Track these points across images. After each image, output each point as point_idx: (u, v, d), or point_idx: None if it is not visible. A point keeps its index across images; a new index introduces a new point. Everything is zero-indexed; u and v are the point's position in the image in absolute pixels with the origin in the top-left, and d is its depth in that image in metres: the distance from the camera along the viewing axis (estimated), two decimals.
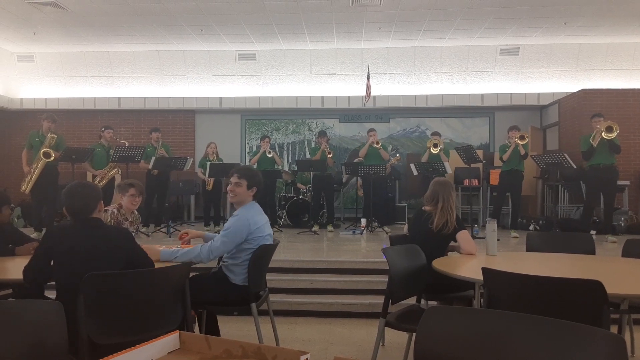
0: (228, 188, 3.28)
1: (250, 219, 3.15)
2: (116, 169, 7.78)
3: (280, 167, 9.12)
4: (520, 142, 7.33)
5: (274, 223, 8.49)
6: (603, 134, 6.85)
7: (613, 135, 6.82)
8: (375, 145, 8.27)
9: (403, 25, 8.95)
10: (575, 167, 6.90)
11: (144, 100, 10.80)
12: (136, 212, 4.19)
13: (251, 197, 3.25)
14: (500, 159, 7.60)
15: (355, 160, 8.76)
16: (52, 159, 7.11)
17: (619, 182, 8.38)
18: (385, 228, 8.01)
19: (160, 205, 8.39)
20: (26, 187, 7.20)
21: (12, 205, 9.23)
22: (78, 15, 8.44)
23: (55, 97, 10.84)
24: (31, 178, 7.15)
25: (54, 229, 2.67)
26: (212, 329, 3.45)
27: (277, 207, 9.11)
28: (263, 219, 3.26)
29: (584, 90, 9.20)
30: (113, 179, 7.81)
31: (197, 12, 8.29)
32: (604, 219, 7.31)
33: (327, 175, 8.37)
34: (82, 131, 10.89)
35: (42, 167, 7.12)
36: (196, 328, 3.48)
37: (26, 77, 10.88)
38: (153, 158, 7.87)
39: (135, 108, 10.83)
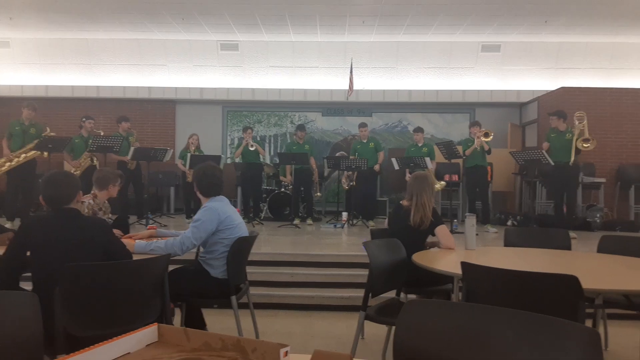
0: None
1: (219, 208, 3.18)
2: (90, 159, 7.64)
3: (263, 158, 9.08)
4: (485, 139, 7.48)
5: (257, 215, 8.48)
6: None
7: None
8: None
9: (387, 20, 8.96)
10: (553, 163, 7.02)
11: (123, 90, 10.64)
12: (106, 202, 4.16)
13: (206, 197, 3.29)
14: (463, 154, 7.71)
15: (337, 154, 8.80)
16: (45, 155, 7.09)
17: (596, 180, 8.59)
18: (367, 222, 8.05)
19: (139, 196, 8.28)
20: None
21: None
22: (55, 1, 8.25)
23: (31, 84, 10.61)
24: (10, 165, 7.01)
25: (30, 220, 2.62)
26: (197, 322, 3.44)
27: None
28: (231, 209, 3.30)
29: (563, 88, 9.34)
30: (90, 168, 7.68)
31: (179, 0, 8.17)
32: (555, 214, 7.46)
33: (306, 169, 8.36)
34: (59, 120, 10.67)
35: (30, 158, 7.07)
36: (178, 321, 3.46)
37: (1, 64, 10.60)
38: (132, 148, 7.75)
39: (114, 97, 10.65)
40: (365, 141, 8.53)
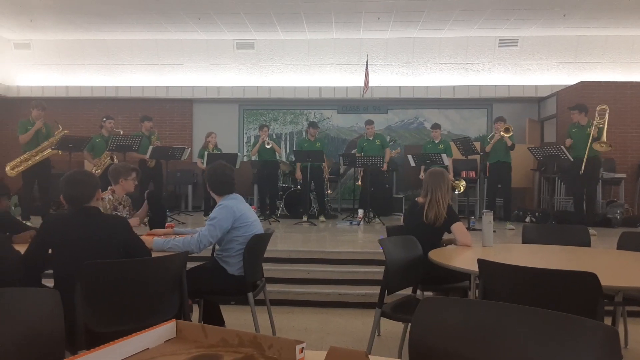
0: None
1: (234, 206, 3.21)
2: (109, 158, 7.74)
3: (279, 156, 9.11)
4: (505, 135, 7.41)
5: (273, 213, 8.51)
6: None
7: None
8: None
9: (402, 16, 8.91)
10: (572, 159, 6.92)
11: (141, 89, 10.76)
12: (125, 196, 4.23)
13: (219, 195, 3.32)
14: (483, 150, 7.68)
15: (353, 151, 8.78)
16: (60, 153, 7.21)
17: (616, 175, 8.44)
18: (373, 218, 8.03)
19: (158, 194, 8.36)
20: (15, 171, 7.14)
21: (10, 194, 9.21)
22: (75, 3, 8.37)
23: (52, 85, 10.79)
24: (27, 165, 7.13)
25: (51, 218, 2.67)
26: (216, 319, 3.48)
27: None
28: (245, 207, 3.33)
29: (582, 82, 9.19)
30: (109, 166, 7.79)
31: (195, 0, 8.23)
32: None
33: (316, 166, 8.34)
34: (80, 120, 10.84)
35: (46, 157, 7.16)
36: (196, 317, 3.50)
37: (23, 65, 10.81)
38: (151, 147, 7.83)
39: (132, 97, 10.78)
40: (371, 138, 8.51)
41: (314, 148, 8.19)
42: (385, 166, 8.39)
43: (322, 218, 8.30)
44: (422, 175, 7.80)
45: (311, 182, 8.46)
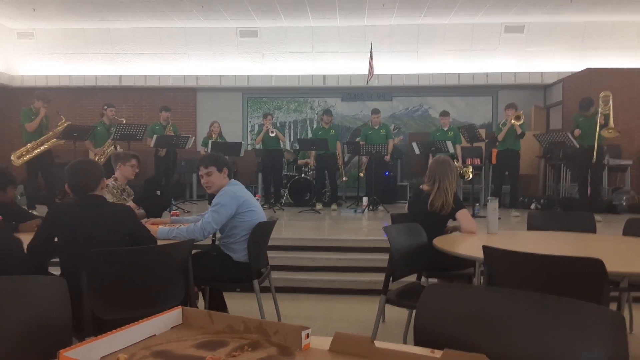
0: (202, 182, 3.33)
1: (236, 192, 3.23)
2: (113, 147, 7.76)
3: (283, 145, 9.11)
4: (516, 123, 7.37)
5: (277, 201, 8.53)
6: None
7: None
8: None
9: (407, 2, 8.83)
10: (578, 146, 6.88)
11: (145, 78, 10.74)
12: (128, 187, 4.26)
13: (227, 178, 3.30)
14: (493, 136, 7.66)
15: (357, 139, 8.77)
16: (62, 142, 7.22)
17: (622, 162, 8.40)
18: (377, 206, 8.04)
19: (168, 183, 8.39)
20: (20, 160, 7.16)
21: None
22: None
23: (55, 74, 10.78)
24: (30, 155, 7.15)
25: (57, 207, 2.68)
26: (219, 305, 3.50)
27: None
28: (248, 194, 3.34)
29: (589, 69, 9.11)
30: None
31: None
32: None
33: (330, 154, 8.34)
34: (83, 109, 10.85)
35: (50, 147, 7.18)
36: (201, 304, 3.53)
37: (26, 54, 10.80)
38: (155, 136, 7.84)
39: (136, 86, 10.77)
40: (377, 127, 8.48)
41: (328, 136, 8.19)
42: (388, 158, 8.37)
43: (334, 206, 8.30)
44: None
45: (323, 170, 8.48)
